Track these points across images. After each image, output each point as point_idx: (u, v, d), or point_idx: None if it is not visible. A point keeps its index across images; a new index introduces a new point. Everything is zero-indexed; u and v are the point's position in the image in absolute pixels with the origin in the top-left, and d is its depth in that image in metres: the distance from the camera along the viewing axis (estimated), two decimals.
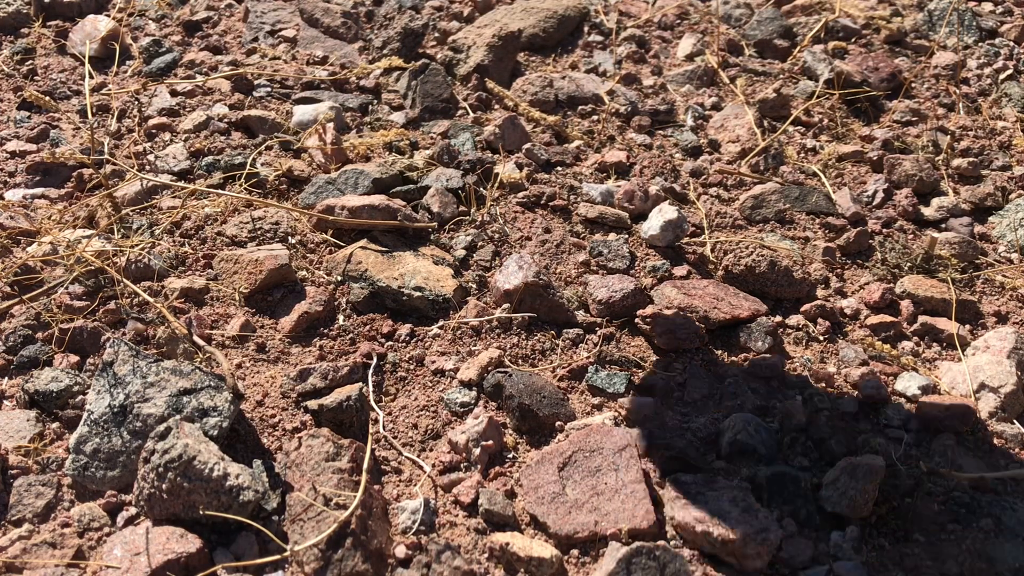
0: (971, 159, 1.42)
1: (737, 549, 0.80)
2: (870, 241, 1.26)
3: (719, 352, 1.06)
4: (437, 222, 1.22)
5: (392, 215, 1.19)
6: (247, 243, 1.16)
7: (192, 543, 0.77)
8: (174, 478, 0.78)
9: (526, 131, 1.44)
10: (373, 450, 0.90)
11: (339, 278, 1.11)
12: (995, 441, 0.97)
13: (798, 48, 1.72)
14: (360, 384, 0.96)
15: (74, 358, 0.98)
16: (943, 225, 1.31)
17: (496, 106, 1.53)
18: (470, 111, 1.51)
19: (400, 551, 0.80)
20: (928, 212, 1.33)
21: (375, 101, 1.53)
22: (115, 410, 0.87)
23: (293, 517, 0.81)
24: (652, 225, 1.22)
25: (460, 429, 0.91)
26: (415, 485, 0.88)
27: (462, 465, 0.89)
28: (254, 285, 1.08)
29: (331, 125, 1.38)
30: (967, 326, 1.13)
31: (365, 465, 0.84)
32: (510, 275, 1.08)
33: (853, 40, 1.78)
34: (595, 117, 1.52)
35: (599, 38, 1.76)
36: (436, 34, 1.73)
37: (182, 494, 0.79)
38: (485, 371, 0.99)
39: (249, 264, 1.10)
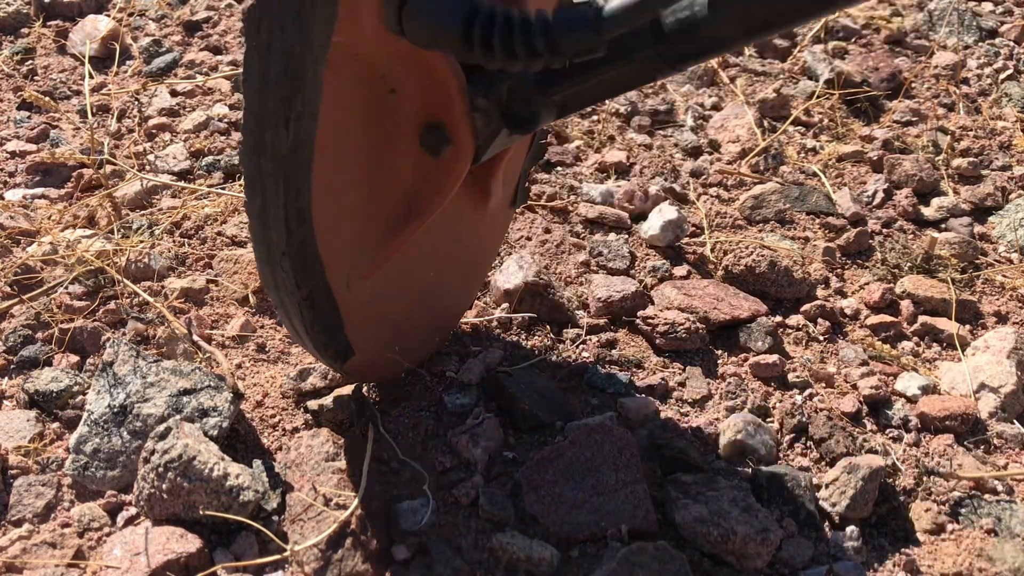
0: (971, 159, 1.42)
1: (737, 549, 0.80)
2: (870, 241, 1.26)
3: (719, 352, 1.06)
4: None
5: None
6: (247, 243, 1.16)
7: (192, 543, 0.77)
8: (174, 478, 0.78)
9: None
10: (373, 450, 0.90)
11: None
12: (995, 441, 0.97)
13: (798, 48, 1.72)
14: (360, 384, 0.96)
15: (74, 358, 0.98)
16: (943, 225, 1.31)
17: None
18: None
19: (400, 551, 0.80)
20: (928, 212, 1.33)
21: None
22: (115, 410, 0.87)
23: (293, 517, 0.81)
24: (652, 225, 1.22)
25: (460, 429, 0.91)
26: (415, 485, 0.88)
27: (462, 465, 0.89)
28: (254, 285, 1.08)
29: None
30: (967, 326, 1.13)
31: (365, 465, 0.84)
32: (510, 275, 1.08)
33: (853, 40, 1.78)
34: (595, 117, 1.52)
35: None
36: None
37: (182, 494, 0.79)
38: (485, 371, 0.99)
39: (249, 264, 1.10)
